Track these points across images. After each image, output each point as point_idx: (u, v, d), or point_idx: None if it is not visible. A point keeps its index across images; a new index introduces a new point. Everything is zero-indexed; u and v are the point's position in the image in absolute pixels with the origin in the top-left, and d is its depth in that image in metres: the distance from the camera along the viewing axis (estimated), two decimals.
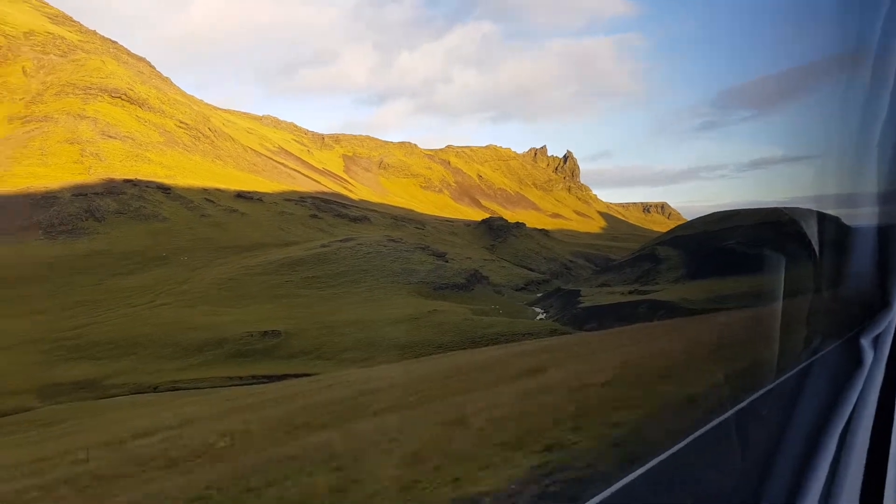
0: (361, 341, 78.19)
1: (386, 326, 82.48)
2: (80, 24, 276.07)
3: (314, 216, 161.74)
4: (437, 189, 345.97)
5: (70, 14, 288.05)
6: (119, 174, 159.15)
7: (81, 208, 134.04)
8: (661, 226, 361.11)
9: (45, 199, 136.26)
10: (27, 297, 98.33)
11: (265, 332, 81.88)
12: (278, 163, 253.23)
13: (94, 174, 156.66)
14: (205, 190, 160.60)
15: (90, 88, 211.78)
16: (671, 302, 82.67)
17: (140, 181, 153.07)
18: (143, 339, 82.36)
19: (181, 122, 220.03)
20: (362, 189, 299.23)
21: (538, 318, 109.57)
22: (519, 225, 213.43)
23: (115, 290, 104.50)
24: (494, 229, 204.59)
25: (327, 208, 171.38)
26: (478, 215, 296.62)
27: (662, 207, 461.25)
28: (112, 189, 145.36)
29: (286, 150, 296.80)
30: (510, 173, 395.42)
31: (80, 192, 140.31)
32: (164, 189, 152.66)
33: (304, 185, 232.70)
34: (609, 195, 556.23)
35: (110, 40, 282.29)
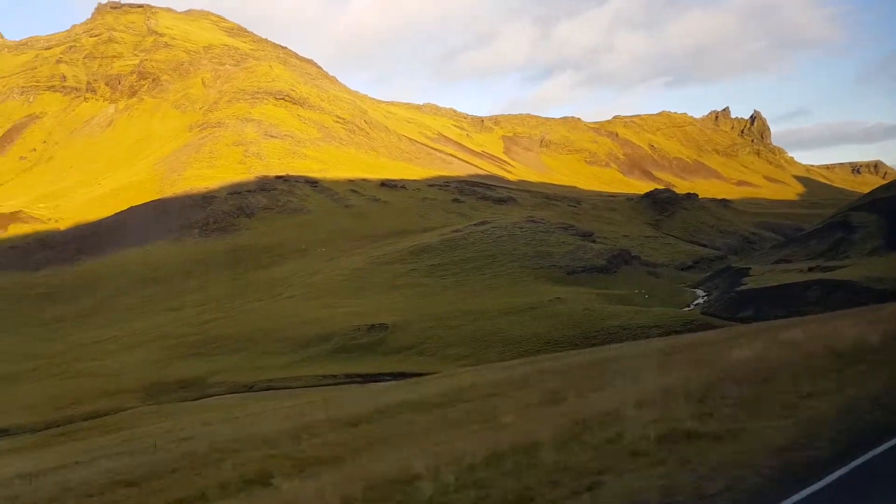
0: (468, 335, 70.90)
1: (498, 318, 74.20)
2: (254, 34, 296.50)
3: (456, 200, 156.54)
4: (603, 163, 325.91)
5: (245, 26, 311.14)
6: (276, 171, 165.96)
7: (234, 206, 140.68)
8: (874, 187, 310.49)
9: (205, 199, 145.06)
10: (171, 294, 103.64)
11: (372, 326, 77.49)
12: (434, 149, 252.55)
13: (252, 173, 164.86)
14: (350, 181, 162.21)
15: (257, 93, 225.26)
16: (853, 281, 64.92)
17: (290, 176, 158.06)
18: (258, 333, 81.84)
19: (338, 118, 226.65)
20: (522, 169, 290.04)
21: (695, 302, 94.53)
22: (690, 196, 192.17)
23: (250, 284, 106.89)
24: (660, 202, 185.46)
25: (471, 191, 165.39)
26: (650, 188, 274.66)
27: (876, 167, 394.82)
28: (264, 186, 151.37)
29: (445, 136, 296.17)
30: (687, 140, 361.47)
31: (235, 191, 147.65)
32: (312, 183, 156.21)
33: (460, 170, 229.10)
34: (809, 157, 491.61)
35: (280, 46, 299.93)
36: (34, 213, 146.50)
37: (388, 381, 62.16)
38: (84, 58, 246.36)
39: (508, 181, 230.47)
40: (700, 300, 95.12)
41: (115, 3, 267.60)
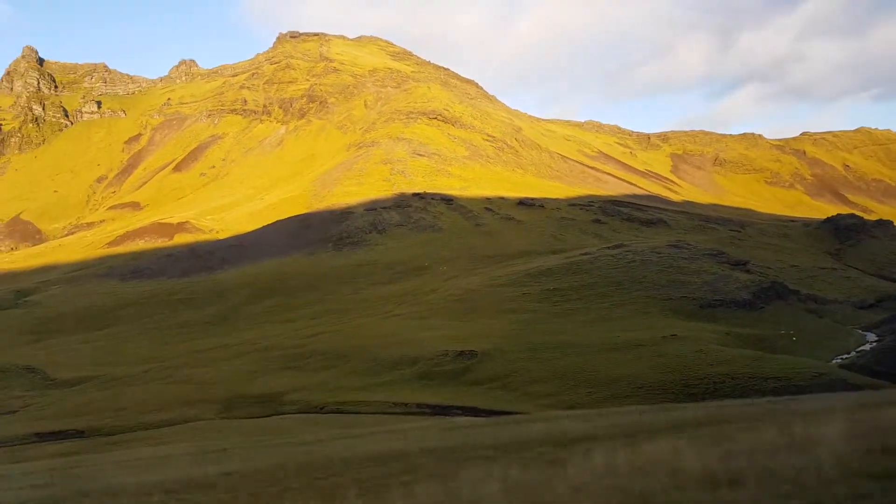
0: (557, 371, 63.02)
1: (597, 354, 65.33)
2: (417, 58, 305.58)
3: (597, 221, 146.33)
4: (786, 184, 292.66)
5: (413, 50, 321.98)
6: (417, 189, 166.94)
7: (368, 222, 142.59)
8: None
9: (343, 215, 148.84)
10: (291, 307, 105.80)
11: (460, 353, 71.98)
12: (589, 167, 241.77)
13: (393, 190, 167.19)
14: (487, 199, 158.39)
15: (412, 113, 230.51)
16: None
17: (427, 194, 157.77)
18: (353, 351, 79.76)
19: (488, 136, 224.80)
20: (690, 189, 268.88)
21: (858, 349, 77.84)
22: (882, 223, 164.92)
23: (366, 299, 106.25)
24: (843, 229, 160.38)
25: (615, 212, 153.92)
26: (842, 213, 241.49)
27: None
28: (400, 203, 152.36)
29: (605, 154, 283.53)
30: (890, 160, 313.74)
31: (372, 207, 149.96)
32: (448, 200, 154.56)
33: (615, 189, 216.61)
34: None
35: (442, 68, 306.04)
36: (199, 225, 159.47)
37: (457, 415, 56.64)
38: (264, 83, 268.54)
39: (670, 202, 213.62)
40: (869, 345, 78.29)
41: (294, 32, 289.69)
